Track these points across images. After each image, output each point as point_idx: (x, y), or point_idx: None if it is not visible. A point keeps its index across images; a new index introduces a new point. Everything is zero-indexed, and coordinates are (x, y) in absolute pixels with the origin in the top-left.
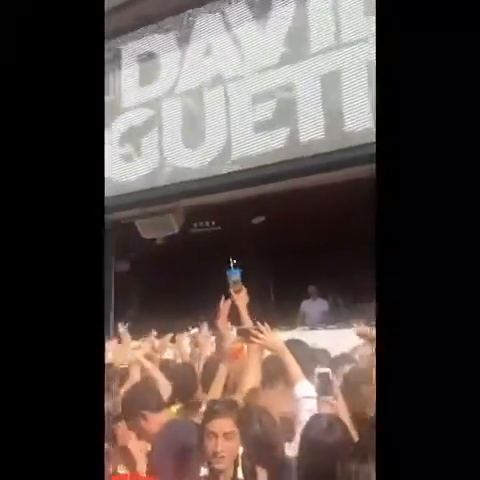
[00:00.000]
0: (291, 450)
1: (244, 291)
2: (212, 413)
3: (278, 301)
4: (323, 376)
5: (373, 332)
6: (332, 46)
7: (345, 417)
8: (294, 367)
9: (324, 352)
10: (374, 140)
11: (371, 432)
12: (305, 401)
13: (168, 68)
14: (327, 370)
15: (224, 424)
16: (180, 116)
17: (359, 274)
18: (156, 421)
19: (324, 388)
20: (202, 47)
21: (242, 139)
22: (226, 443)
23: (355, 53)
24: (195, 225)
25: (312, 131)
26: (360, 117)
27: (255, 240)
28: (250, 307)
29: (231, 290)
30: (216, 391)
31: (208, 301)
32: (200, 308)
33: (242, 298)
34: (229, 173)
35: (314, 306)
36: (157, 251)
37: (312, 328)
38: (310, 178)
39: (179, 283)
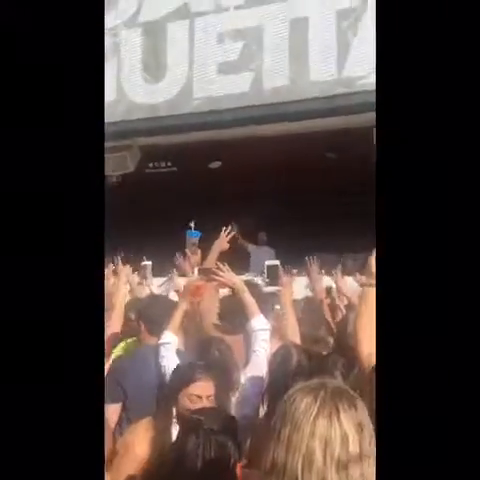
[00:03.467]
0: (244, 375)
1: (199, 253)
2: (195, 376)
3: (231, 246)
4: (272, 268)
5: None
6: None
7: (295, 332)
8: (250, 303)
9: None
10: (338, 91)
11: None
12: (260, 333)
13: None
14: (276, 262)
15: (207, 387)
16: (140, 48)
17: (309, 224)
18: None
19: (273, 279)
20: None
21: (205, 79)
22: (209, 404)
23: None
24: (151, 165)
25: (277, 77)
26: (327, 68)
27: (210, 184)
28: (204, 251)
29: (187, 250)
30: (175, 325)
31: (162, 241)
32: (152, 247)
33: (197, 259)
34: (189, 114)
35: (260, 253)
36: (111, 190)
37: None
38: (271, 126)
39: (133, 223)
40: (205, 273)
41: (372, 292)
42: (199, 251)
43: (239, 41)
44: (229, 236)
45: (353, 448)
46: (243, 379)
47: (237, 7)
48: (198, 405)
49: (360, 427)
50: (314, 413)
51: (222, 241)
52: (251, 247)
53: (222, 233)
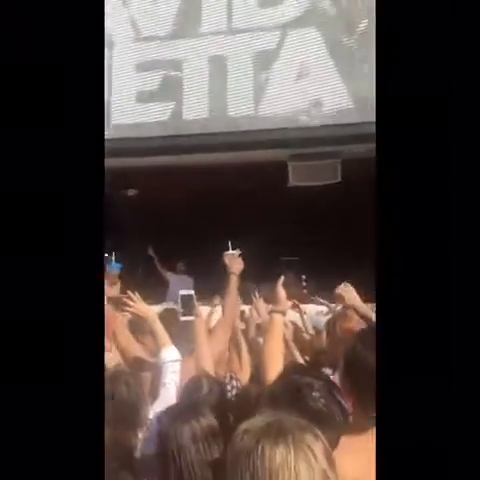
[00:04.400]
0: (153, 411)
1: (118, 285)
2: None
3: (147, 276)
4: (186, 298)
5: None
6: (223, 30)
7: (208, 362)
8: (161, 333)
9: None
10: (256, 127)
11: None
12: (170, 364)
13: None
14: (190, 292)
15: None
16: None
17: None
18: None
19: (187, 309)
20: None
21: (124, 106)
22: None
23: (244, 41)
24: None
25: (196, 109)
26: (243, 103)
27: (126, 212)
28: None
29: (106, 280)
30: None
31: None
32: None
33: (115, 289)
34: (106, 139)
35: (179, 282)
36: None
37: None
38: (188, 157)
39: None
40: (115, 302)
41: (278, 319)
42: (119, 282)
43: (159, 71)
44: (115, 285)
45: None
46: (151, 415)
47: (158, 38)
48: None
49: (328, 455)
50: (293, 463)
51: (114, 289)
52: (170, 275)
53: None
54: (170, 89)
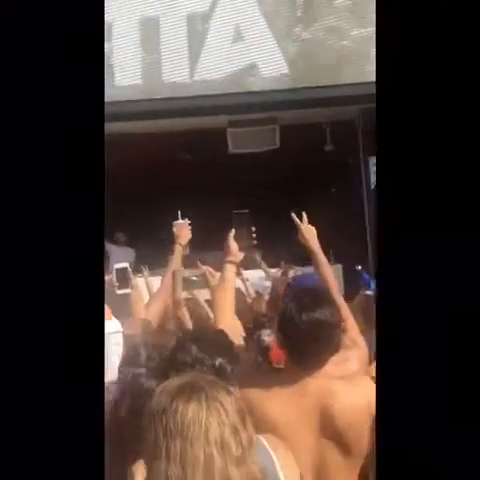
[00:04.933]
0: None
1: None
2: None
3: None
4: (121, 271)
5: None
6: None
7: (145, 331)
8: None
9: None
10: (193, 93)
11: None
12: (112, 336)
13: None
14: (125, 265)
15: None
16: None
17: (164, 226)
18: None
19: (123, 281)
20: None
21: None
22: None
23: (177, 2)
24: None
25: (129, 75)
26: (178, 69)
27: None
28: None
29: None
30: None
31: None
32: None
33: None
34: None
35: (119, 253)
36: None
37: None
38: (124, 124)
39: None
40: None
41: (231, 269)
42: None
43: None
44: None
45: (244, 435)
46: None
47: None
48: None
49: (241, 412)
50: (204, 418)
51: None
52: (109, 247)
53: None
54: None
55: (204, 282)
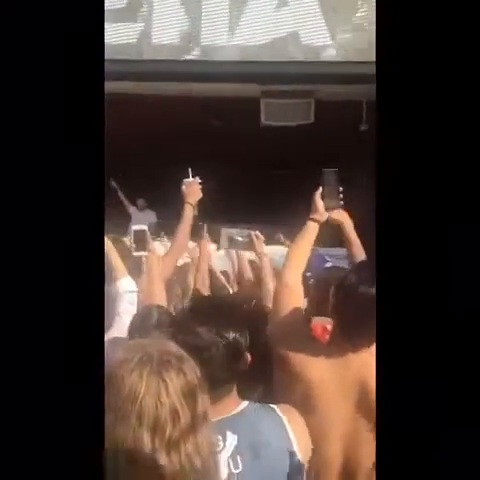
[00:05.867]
0: (107, 338)
1: None
2: None
3: (110, 208)
4: (139, 233)
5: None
6: None
7: (160, 294)
8: (117, 264)
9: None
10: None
11: None
12: (126, 295)
13: None
14: (144, 227)
15: None
16: None
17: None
18: None
19: (140, 244)
20: None
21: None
22: None
23: None
24: None
25: (167, 35)
26: (216, 33)
27: None
28: None
29: None
30: None
31: None
32: None
33: None
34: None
35: (141, 216)
36: None
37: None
38: (155, 84)
39: None
40: None
41: (313, 226)
42: None
43: None
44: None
45: (184, 421)
46: (106, 342)
47: None
48: None
49: (191, 393)
50: (141, 394)
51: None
52: (132, 209)
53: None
54: (139, 9)
55: (248, 244)
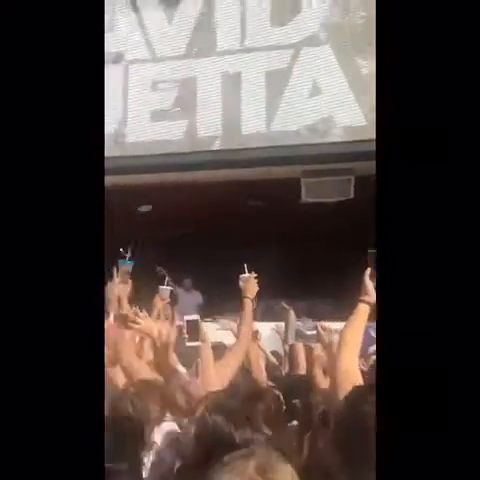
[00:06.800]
0: (160, 432)
1: (130, 283)
2: None
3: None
4: (192, 323)
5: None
6: (236, 49)
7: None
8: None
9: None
10: (269, 144)
11: None
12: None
13: None
14: (196, 317)
15: None
16: None
17: (233, 270)
18: None
19: (194, 334)
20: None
21: (138, 124)
22: None
23: (257, 59)
24: None
25: (210, 127)
26: (256, 121)
27: (140, 228)
28: (132, 295)
29: (117, 279)
30: None
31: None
32: None
33: (126, 289)
34: (120, 157)
35: (188, 298)
36: None
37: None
38: (202, 173)
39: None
40: (121, 319)
41: (364, 309)
42: (130, 282)
43: (173, 90)
44: (127, 284)
45: None
46: (157, 437)
47: (172, 58)
48: None
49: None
50: None
51: (124, 289)
52: (179, 290)
53: None
54: (184, 107)
55: (316, 336)
